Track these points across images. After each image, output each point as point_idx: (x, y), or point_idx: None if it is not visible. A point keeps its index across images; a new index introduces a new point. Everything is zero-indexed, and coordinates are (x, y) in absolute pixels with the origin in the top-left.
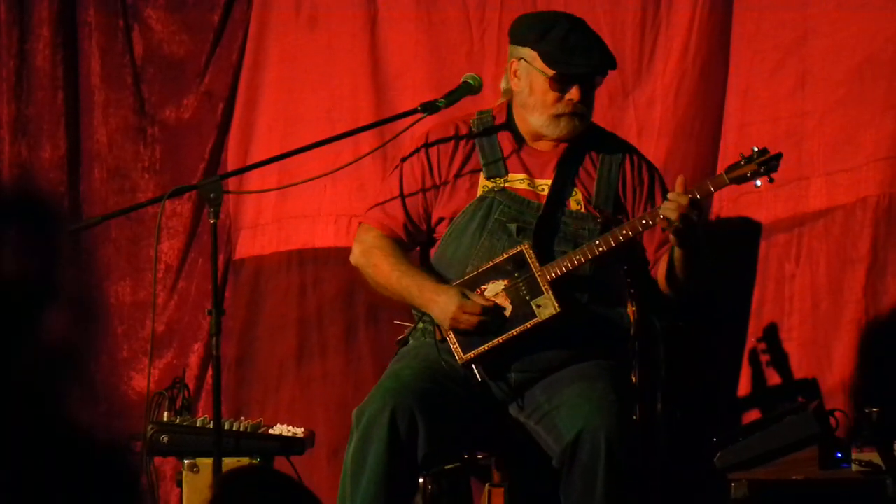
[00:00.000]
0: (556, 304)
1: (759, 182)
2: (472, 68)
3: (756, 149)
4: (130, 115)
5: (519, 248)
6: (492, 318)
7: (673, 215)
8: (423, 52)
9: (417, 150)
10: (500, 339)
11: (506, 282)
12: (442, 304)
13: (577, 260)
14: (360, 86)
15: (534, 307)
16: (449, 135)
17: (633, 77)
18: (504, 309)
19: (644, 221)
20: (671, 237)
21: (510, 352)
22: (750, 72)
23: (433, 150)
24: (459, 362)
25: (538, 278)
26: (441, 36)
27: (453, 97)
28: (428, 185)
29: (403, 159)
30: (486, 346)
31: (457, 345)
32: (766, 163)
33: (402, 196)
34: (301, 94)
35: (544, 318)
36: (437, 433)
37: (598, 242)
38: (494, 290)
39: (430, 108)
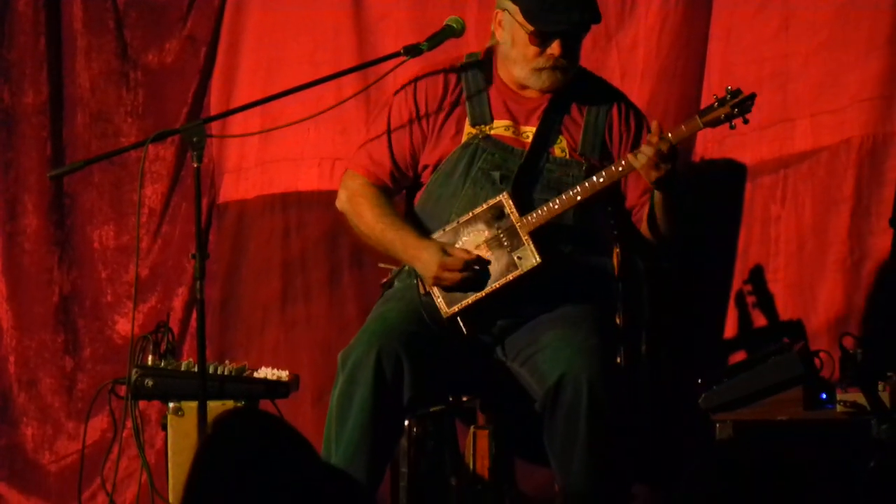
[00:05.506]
0: (537, 255)
1: (734, 124)
2: (455, 11)
3: (730, 89)
4: (113, 60)
5: (498, 198)
6: (474, 273)
7: (648, 161)
8: None
9: (405, 96)
10: (482, 294)
11: (487, 233)
12: (424, 260)
13: (555, 208)
14: (342, 29)
15: (515, 259)
16: (437, 81)
17: (616, 20)
18: (487, 262)
19: (619, 169)
20: (650, 182)
21: (494, 304)
22: (733, 14)
23: (421, 96)
24: (444, 317)
25: (518, 229)
26: None
27: (436, 40)
28: (416, 132)
29: (389, 115)
30: (468, 301)
31: (440, 299)
32: (740, 104)
33: (390, 143)
34: (283, 37)
35: (525, 269)
36: (423, 376)
37: (576, 190)
38: (476, 242)
39: (412, 51)
